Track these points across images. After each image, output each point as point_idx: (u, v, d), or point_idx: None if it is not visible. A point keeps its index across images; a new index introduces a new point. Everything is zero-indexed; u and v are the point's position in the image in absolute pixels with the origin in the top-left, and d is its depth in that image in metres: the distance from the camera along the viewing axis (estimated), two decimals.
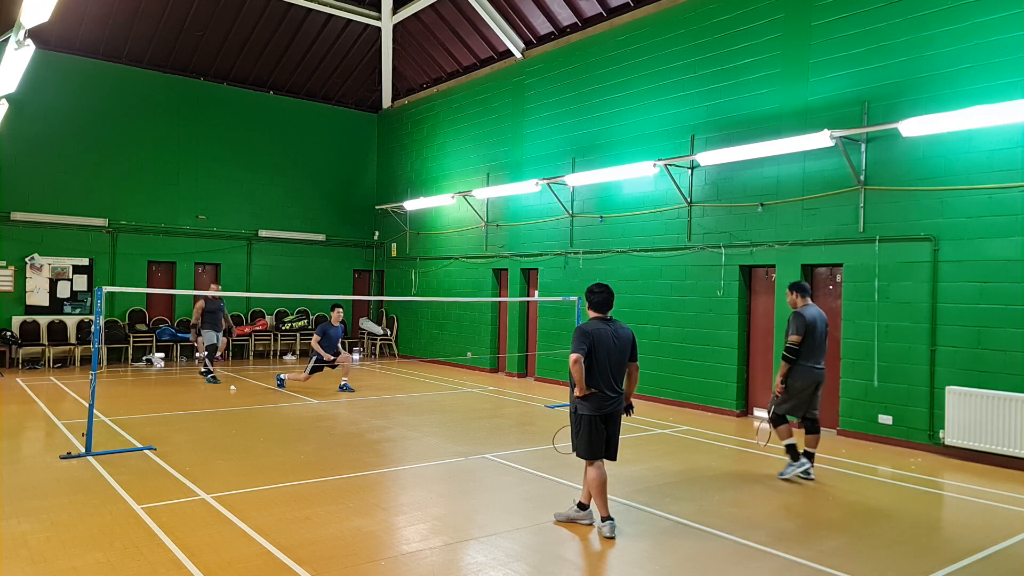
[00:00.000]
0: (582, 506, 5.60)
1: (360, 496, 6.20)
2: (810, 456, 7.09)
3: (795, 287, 7.27)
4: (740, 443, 8.81)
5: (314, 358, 12.06)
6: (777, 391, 7.08)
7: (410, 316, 18.14)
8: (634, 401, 5.92)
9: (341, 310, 12.48)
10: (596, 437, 5.40)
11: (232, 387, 12.25)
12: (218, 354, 16.23)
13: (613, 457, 5.55)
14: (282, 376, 12.50)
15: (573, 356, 5.27)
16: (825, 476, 7.35)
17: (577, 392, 5.39)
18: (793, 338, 6.95)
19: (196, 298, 15.08)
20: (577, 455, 5.55)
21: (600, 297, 5.53)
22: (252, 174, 17.60)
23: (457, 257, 16.39)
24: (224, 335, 13.58)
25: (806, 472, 7.01)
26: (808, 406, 7.09)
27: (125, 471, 6.76)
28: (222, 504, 5.83)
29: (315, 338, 12.08)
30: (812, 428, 7.15)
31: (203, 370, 13.19)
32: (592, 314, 5.56)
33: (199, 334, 13.38)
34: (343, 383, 12.33)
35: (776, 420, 7.18)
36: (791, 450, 7.08)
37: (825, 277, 9.95)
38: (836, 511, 6.12)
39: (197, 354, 16.06)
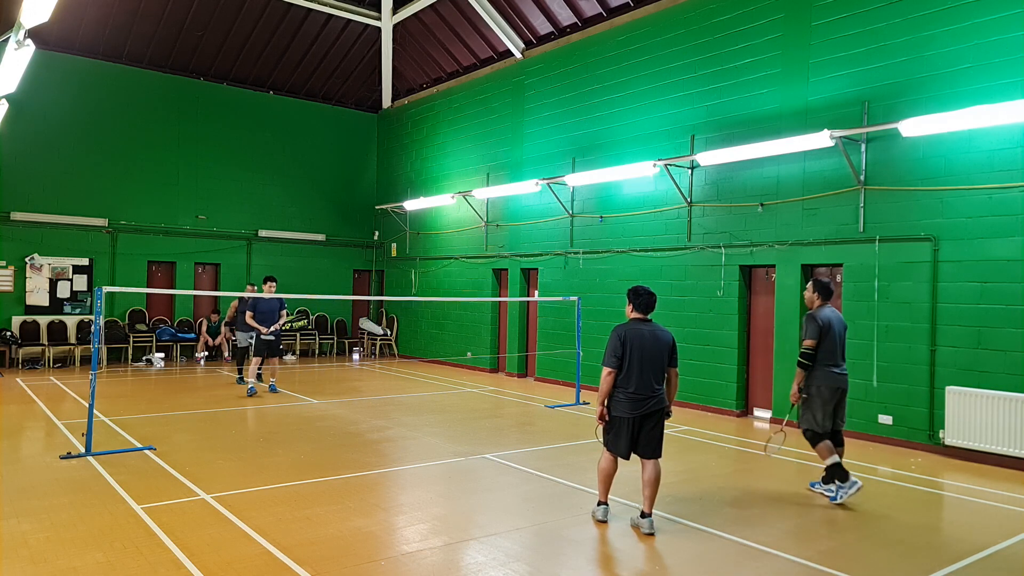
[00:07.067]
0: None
1: (360, 496, 6.20)
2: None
3: (815, 285, 6.54)
4: (740, 443, 8.80)
5: (253, 338, 11.54)
6: (793, 400, 6.45)
7: (410, 316, 18.14)
8: None
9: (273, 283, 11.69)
10: (620, 437, 5.55)
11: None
12: (226, 354, 16.23)
13: (657, 455, 5.57)
14: (249, 383, 11.43)
15: (605, 370, 5.49)
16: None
17: (598, 406, 5.65)
18: (808, 342, 6.27)
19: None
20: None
21: (647, 299, 5.67)
22: (252, 174, 17.60)
23: (457, 257, 16.39)
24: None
25: (857, 489, 6.15)
26: (836, 416, 6.36)
27: (125, 471, 6.76)
28: (222, 504, 5.82)
29: (248, 314, 11.38)
30: (837, 440, 6.44)
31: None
32: (635, 315, 5.69)
33: (235, 333, 12.88)
34: (272, 384, 11.86)
35: (813, 438, 6.33)
36: (836, 470, 6.16)
37: (825, 277, 9.95)
38: (836, 511, 6.11)
39: (197, 354, 16.08)
